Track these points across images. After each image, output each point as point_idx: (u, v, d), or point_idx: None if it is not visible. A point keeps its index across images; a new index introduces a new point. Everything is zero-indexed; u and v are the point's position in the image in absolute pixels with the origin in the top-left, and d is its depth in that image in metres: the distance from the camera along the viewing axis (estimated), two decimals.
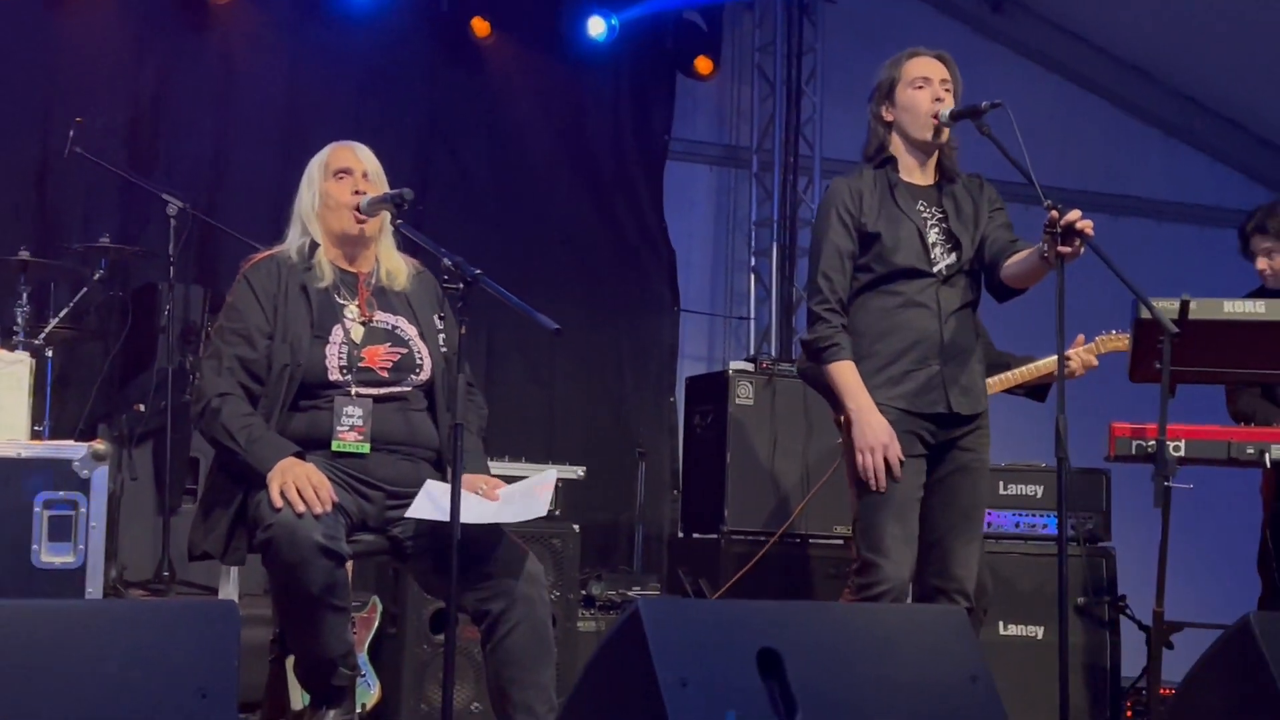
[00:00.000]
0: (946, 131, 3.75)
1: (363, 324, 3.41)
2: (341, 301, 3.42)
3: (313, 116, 6.94)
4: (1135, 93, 8.80)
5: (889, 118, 3.80)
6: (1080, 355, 4.75)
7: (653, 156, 7.88)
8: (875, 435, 3.59)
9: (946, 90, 3.75)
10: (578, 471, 5.33)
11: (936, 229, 3.76)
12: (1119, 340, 4.78)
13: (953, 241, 3.76)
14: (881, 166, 3.81)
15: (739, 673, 2.32)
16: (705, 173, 8.28)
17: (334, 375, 3.32)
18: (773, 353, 7.74)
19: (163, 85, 6.73)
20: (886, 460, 3.59)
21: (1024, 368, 4.79)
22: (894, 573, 3.61)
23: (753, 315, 8.11)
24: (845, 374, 3.69)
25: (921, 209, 3.77)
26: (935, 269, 3.73)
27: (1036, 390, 4.84)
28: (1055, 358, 4.67)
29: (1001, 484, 5.29)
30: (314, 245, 3.45)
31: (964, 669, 2.52)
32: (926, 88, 3.74)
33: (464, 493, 3.11)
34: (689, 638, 2.32)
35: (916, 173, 3.81)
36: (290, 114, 6.95)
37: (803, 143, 8.15)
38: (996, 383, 4.79)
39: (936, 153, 3.82)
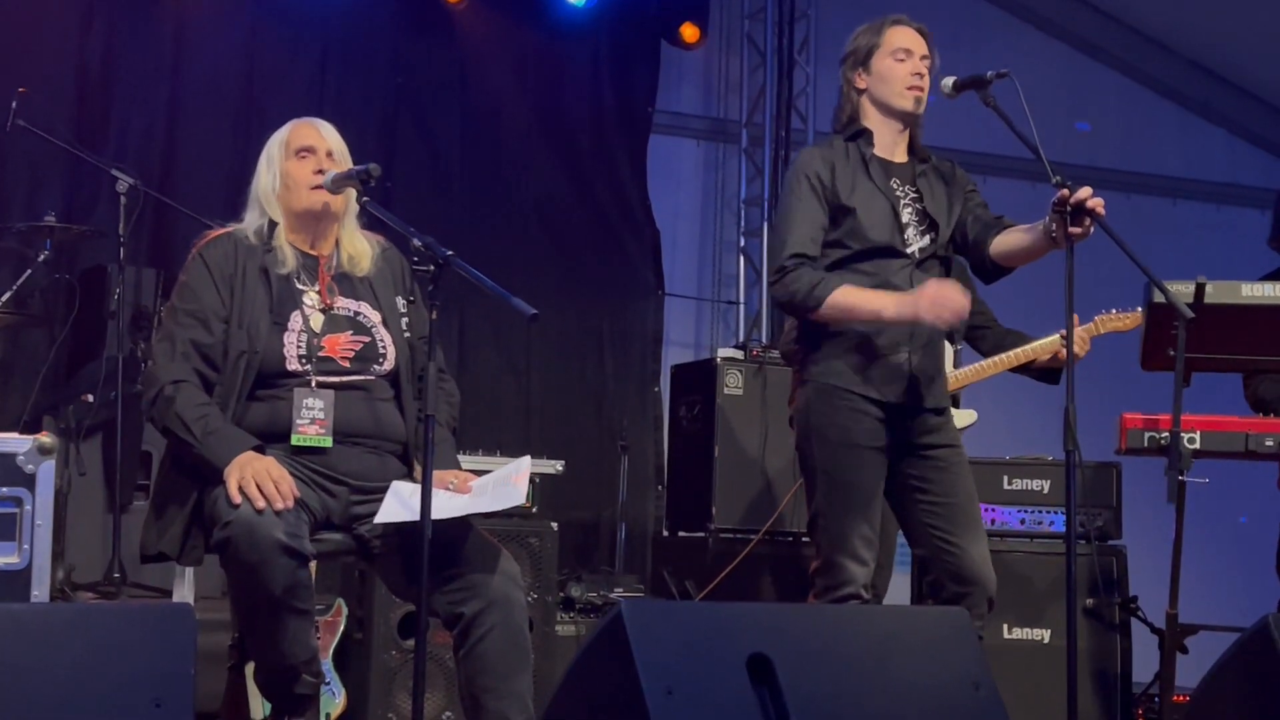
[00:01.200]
0: (924, 104, 3.76)
1: (323, 311, 3.41)
2: (301, 287, 3.42)
3: (272, 88, 6.92)
4: (1149, 64, 8.83)
5: (862, 85, 3.81)
6: (1079, 334, 4.74)
7: (636, 130, 7.88)
8: (916, 298, 3.53)
9: (925, 66, 3.76)
10: (556, 465, 5.33)
11: (910, 209, 3.78)
12: (1119, 320, 4.79)
13: (927, 223, 3.78)
14: (854, 140, 3.81)
15: (728, 680, 2.33)
16: (691, 147, 8.28)
17: (292, 365, 3.32)
18: (763, 340, 7.73)
19: (112, 54, 6.69)
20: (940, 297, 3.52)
21: (1020, 349, 4.79)
22: (860, 573, 3.62)
23: (742, 300, 8.12)
24: (850, 295, 3.62)
25: (895, 186, 3.78)
26: (909, 250, 3.74)
27: (1048, 373, 4.84)
28: (1048, 340, 4.73)
29: (1006, 478, 5.31)
30: (273, 225, 3.44)
31: (966, 674, 2.53)
32: (908, 60, 3.76)
33: (434, 490, 3.10)
34: (674, 642, 2.33)
35: (890, 147, 3.82)
36: (248, 85, 6.93)
37: (795, 116, 8.15)
38: (993, 364, 4.80)
39: (908, 130, 3.82)
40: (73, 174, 6.38)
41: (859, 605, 3.54)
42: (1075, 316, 4.55)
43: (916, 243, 3.75)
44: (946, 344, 4.55)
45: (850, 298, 3.63)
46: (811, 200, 3.72)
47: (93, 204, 6.38)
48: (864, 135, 3.80)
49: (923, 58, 3.77)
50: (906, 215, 3.76)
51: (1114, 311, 4.79)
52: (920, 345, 3.71)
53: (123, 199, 5.54)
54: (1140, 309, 4.63)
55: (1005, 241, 3.70)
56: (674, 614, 2.41)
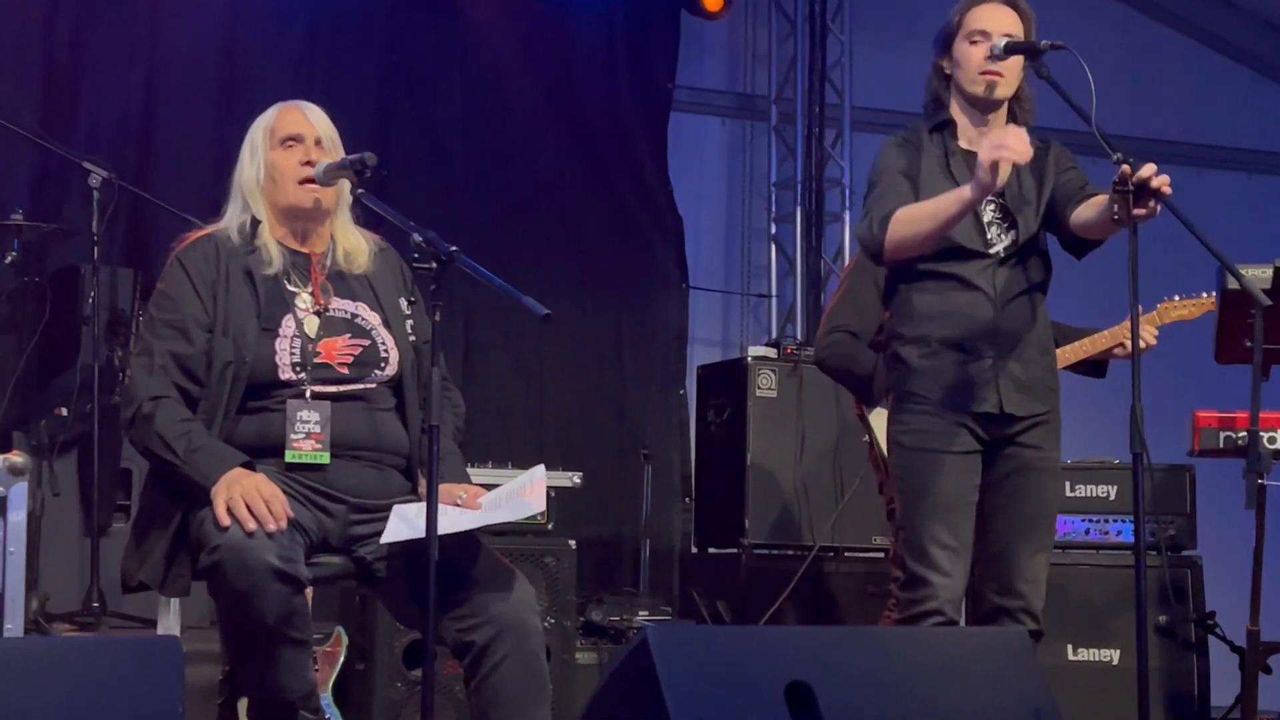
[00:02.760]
0: (1007, 88, 3.76)
1: (317, 313, 3.42)
2: (292, 288, 3.43)
3: (255, 69, 6.94)
4: (1218, 24, 8.80)
5: (947, 70, 3.86)
6: (1144, 324, 4.72)
7: (654, 109, 7.88)
8: (992, 142, 3.52)
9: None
10: (573, 478, 5.35)
11: (992, 205, 3.80)
12: (1184, 307, 4.75)
13: (1009, 220, 3.79)
14: (939, 130, 3.85)
15: (765, 710, 2.34)
16: (716, 126, 8.28)
17: (285, 374, 3.33)
18: (798, 336, 7.74)
19: (80, 35, 6.72)
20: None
21: (1077, 343, 4.79)
22: (945, 588, 3.64)
23: (774, 292, 8.12)
24: (914, 209, 3.68)
25: None
26: (992, 250, 3.77)
27: (1094, 365, 4.83)
28: (1107, 332, 4.72)
29: (1069, 484, 5.32)
30: (256, 223, 3.46)
31: (1026, 701, 2.54)
32: (983, 43, 3.77)
33: (441, 506, 3.11)
34: (705, 671, 2.35)
35: (976, 139, 3.83)
36: (229, 66, 6.95)
37: (829, 89, 8.14)
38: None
39: (1006, 114, 3.83)
40: (40, 167, 6.41)
41: (904, 629, 3.54)
42: (1133, 301, 4.57)
43: (1000, 242, 3.79)
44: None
45: (918, 211, 3.68)
46: (899, 177, 3.78)
47: (63, 199, 6.41)
48: (949, 127, 3.85)
49: (1006, 35, 3.76)
50: (989, 214, 3.80)
51: (1178, 298, 4.77)
52: (1007, 349, 3.74)
53: (95, 193, 5.57)
54: (1210, 294, 4.63)
55: (1081, 215, 3.74)
56: (704, 639, 2.42)
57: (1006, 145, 3.50)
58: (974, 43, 3.77)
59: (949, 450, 3.69)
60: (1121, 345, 4.69)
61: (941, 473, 3.69)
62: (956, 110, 3.86)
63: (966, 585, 3.73)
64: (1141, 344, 4.57)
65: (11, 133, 5.77)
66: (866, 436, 4.84)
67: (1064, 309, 5.01)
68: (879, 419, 4.51)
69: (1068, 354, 4.81)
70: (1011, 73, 3.78)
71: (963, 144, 3.84)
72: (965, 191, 3.58)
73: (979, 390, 3.70)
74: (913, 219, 3.68)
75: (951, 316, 3.75)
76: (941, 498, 3.68)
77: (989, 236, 3.78)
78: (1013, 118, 3.86)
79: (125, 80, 6.78)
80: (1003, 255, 3.78)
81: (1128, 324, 4.62)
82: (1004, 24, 3.78)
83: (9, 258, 5.64)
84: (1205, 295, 4.68)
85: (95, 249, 5.58)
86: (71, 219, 6.08)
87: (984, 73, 3.76)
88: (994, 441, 3.74)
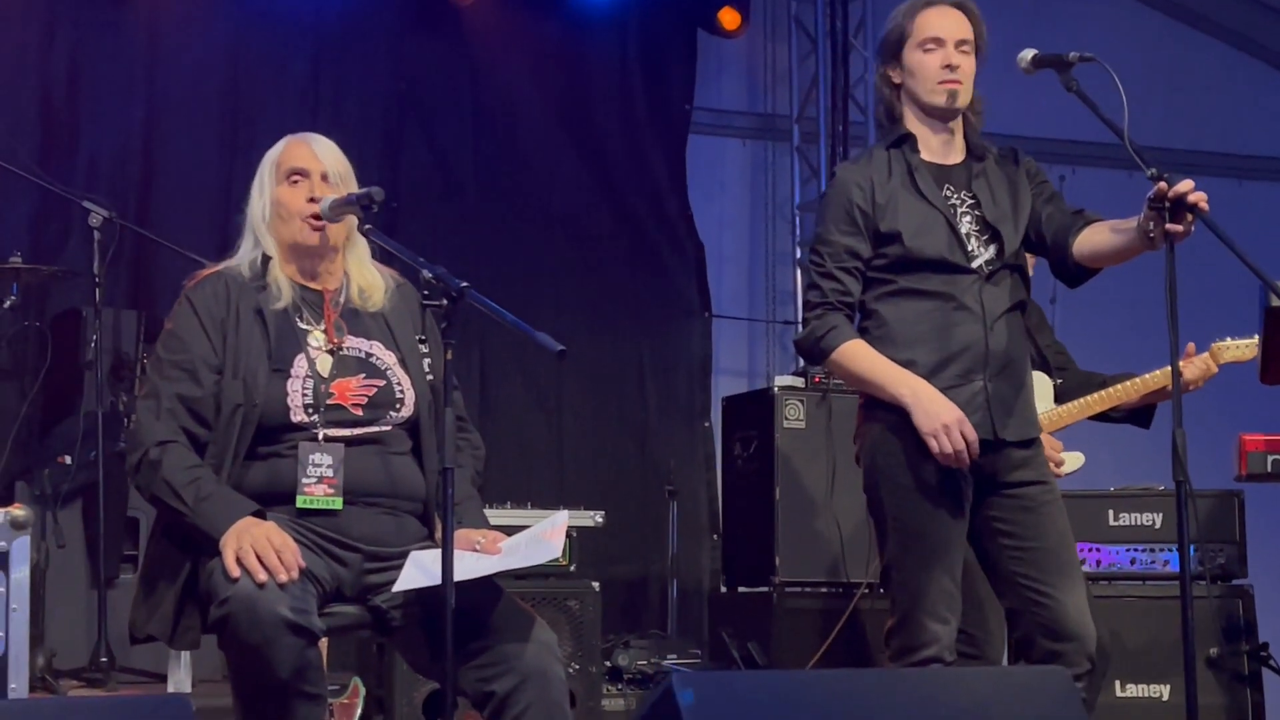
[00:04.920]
0: (965, 96, 3.76)
1: (330, 352, 3.42)
2: (304, 326, 3.44)
3: (260, 101, 7.01)
4: (1259, 30, 8.80)
5: (896, 79, 3.82)
6: (1197, 364, 4.68)
7: (672, 131, 7.92)
8: (939, 411, 3.59)
9: (964, 53, 3.76)
10: (595, 517, 5.36)
11: (969, 218, 3.78)
12: (1239, 348, 4.69)
13: (989, 232, 3.77)
14: (898, 145, 3.82)
15: None
16: (737, 148, 8.32)
17: (297, 416, 3.34)
18: None
19: (78, 71, 6.79)
20: (965, 438, 3.58)
21: (1122, 384, 4.73)
22: (942, 632, 3.62)
23: (800, 318, 8.11)
24: (860, 355, 3.70)
25: (949, 194, 3.78)
26: (974, 264, 3.74)
27: (1139, 414, 4.78)
28: (1162, 371, 4.67)
29: (1112, 513, 5.31)
30: (266, 259, 3.48)
31: None
32: (937, 50, 3.75)
33: (458, 553, 3.12)
34: (734, 718, 2.34)
35: (939, 149, 3.82)
36: (233, 99, 7.02)
37: (853, 107, 8.17)
38: (1082, 406, 4.74)
39: (961, 122, 3.82)
40: (39, 207, 6.47)
41: (943, 669, 3.53)
42: (1191, 345, 4.55)
43: (982, 255, 3.76)
44: (1042, 375, 4.53)
45: (861, 361, 3.70)
46: (847, 229, 3.75)
47: (63, 241, 6.47)
48: (908, 141, 3.82)
49: (960, 43, 3.75)
50: (965, 226, 3.76)
51: (1230, 340, 4.72)
52: (996, 371, 3.71)
53: (96, 234, 5.60)
54: (1258, 335, 4.60)
55: (1091, 240, 3.69)
56: (732, 685, 2.42)
57: (951, 444, 3.57)
58: (927, 51, 3.75)
59: (944, 488, 3.66)
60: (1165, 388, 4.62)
61: (937, 512, 3.65)
62: (913, 121, 3.82)
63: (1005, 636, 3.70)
64: (1203, 377, 4.59)
65: (9, 173, 5.79)
66: None
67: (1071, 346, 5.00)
68: None
69: (1105, 398, 4.74)
70: (969, 78, 3.77)
71: (925, 156, 3.81)
72: (905, 397, 3.61)
73: (973, 418, 3.65)
74: (853, 365, 3.70)
75: (940, 338, 3.70)
76: (938, 540, 3.65)
77: (970, 249, 3.74)
78: (966, 123, 3.83)
79: (125, 115, 6.84)
80: (987, 271, 3.75)
81: (1181, 364, 4.62)
82: (957, 29, 3.76)
83: (8, 302, 5.68)
84: (1258, 336, 4.65)
85: (97, 291, 5.60)
86: (72, 260, 6.13)
87: (943, 82, 3.74)
88: (987, 476, 3.70)
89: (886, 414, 3.70)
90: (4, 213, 6.49)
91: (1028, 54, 3.72)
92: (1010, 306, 3.77)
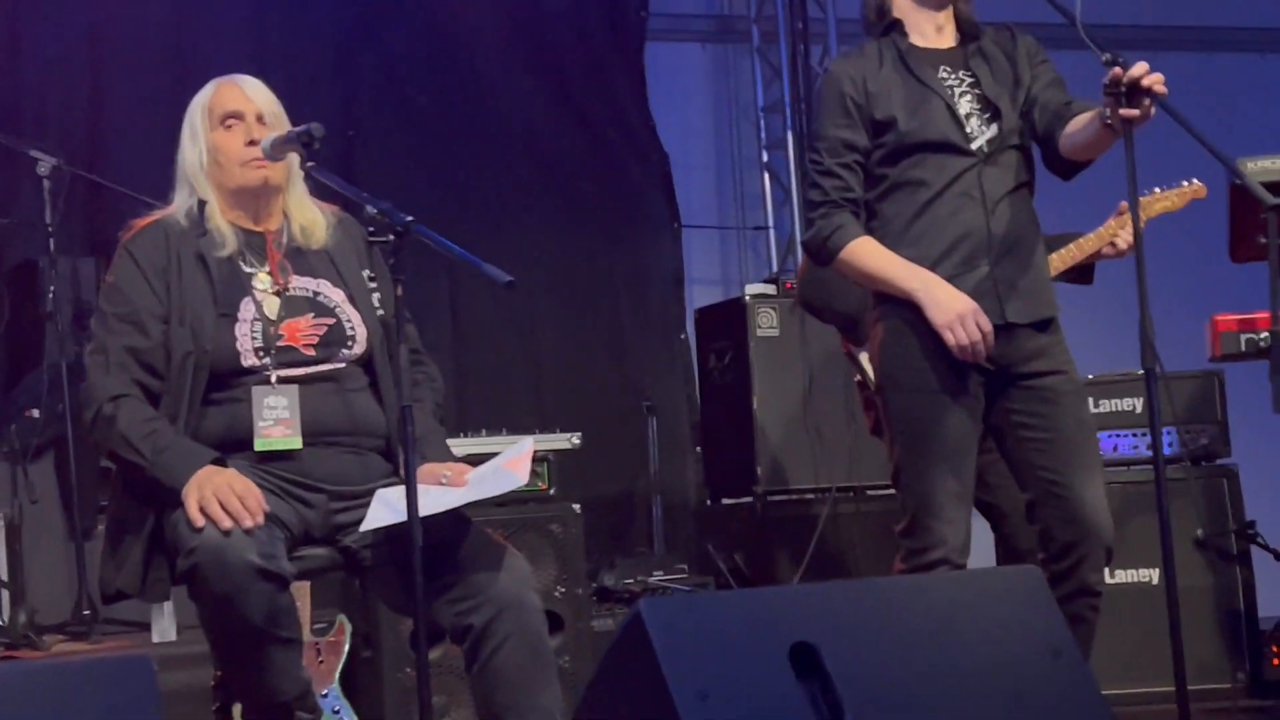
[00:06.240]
0: None
1: (277, 294, 3.42)
2: (249, 269, 3.43)
3: (207, 36, 6.92)
4: None
5: None
6: (1117, 229, 4.64)
7: (628, 39, 7.85)
8: (952, 303, 3.59)
9: None
10: (572, 439, 5.36)
11: (968, 97, 3.74)
12: (1165, 199, 4.66)
13: (990, 110, 3.74)
14: (887, 34, 3.80)
15: (769, 675, 2.36)
16: (696, 52, 8.26)
17: (248, 360, 3.34)
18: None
19: (15, 16, 6.70)
20: (980, 328, 3.58)
21: (1064, 250, 4.73)
22: (950, 534, 3.63)
23: (771, 224, 8.11)
24: (869, 252, 3.69)
25: (945, 76, 3.75)
26: (974, 146, 3.71)
27: (1082, 272, 4.78)
28: (1095, 234, 4.66)
29: (1090, 401, 5.31)
30: (203, 204, 3.45)
31: (1043, 640, 2.55)
32: None
33: (423, 488, 3.13)
34: (705, 639, 2.36)
35: (932, 34, 3.80)
36: (177, 34, 6.93)
37: (811, 4, 8.11)
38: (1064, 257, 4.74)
39: (952, 7, 3.80)
40: None
41: (911, 576, 3.54)
42: (1122, 204, 4.51)
43: (981, 135, 3.72)
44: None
45: (870, 258, 3.69)
46: (843, 122, 3.74)
47: (13, 192, 6.40)
48: (896, 27, 3.79)
49: None
50: (965, 105, 3.73)
51: (1158, 190, 4.69)
52: (1001, 254, 3.69)
53: (46, 183, 5.57)
54: (1190, 182, 4.59)
55: (1071, 135, 3.66)
56: (701, 608, 2.44)
57: (970, 337, 3.57)
58: None
59: (951, 387, 3.65)
60: (1111, 245, 4.62)
61: (946, 413, 3.65)
62: (904, 8, 3.80)
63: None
64: (1122, 243, 4.57)
65: None
66: (857, 376, 4.82)
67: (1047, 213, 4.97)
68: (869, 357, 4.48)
69: (1055, 262, 4.75)
70: None
71: (916, 41, 3.79)
72: (916, 291, 3.62)
73: (980, 304, 3.63)
74: (862, 263, 3.70)
75: (938, 228, 3.68)
76: (947, 440, 3.65)
77: (969, 129, 3.71)
78: (956, 5, 3.80)
79: (69, 59, 6.76)
80: (987, 151, 3.72)
81: (1112, 223, 4.61)
82: None
83: None
84: (1187, 184, 4.64)
85: (51, 241, 5.58)
86: (23, 212, 6.08)
87: None
88: (1002, 368, 3.70)
89: (898, 310, 3.70)
90: None
91: None
92: (1014, 187, 3.74)
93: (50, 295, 5.64)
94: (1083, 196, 4.28)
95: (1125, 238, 4.57)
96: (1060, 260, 4.68)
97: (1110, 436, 5.36)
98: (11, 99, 6.64)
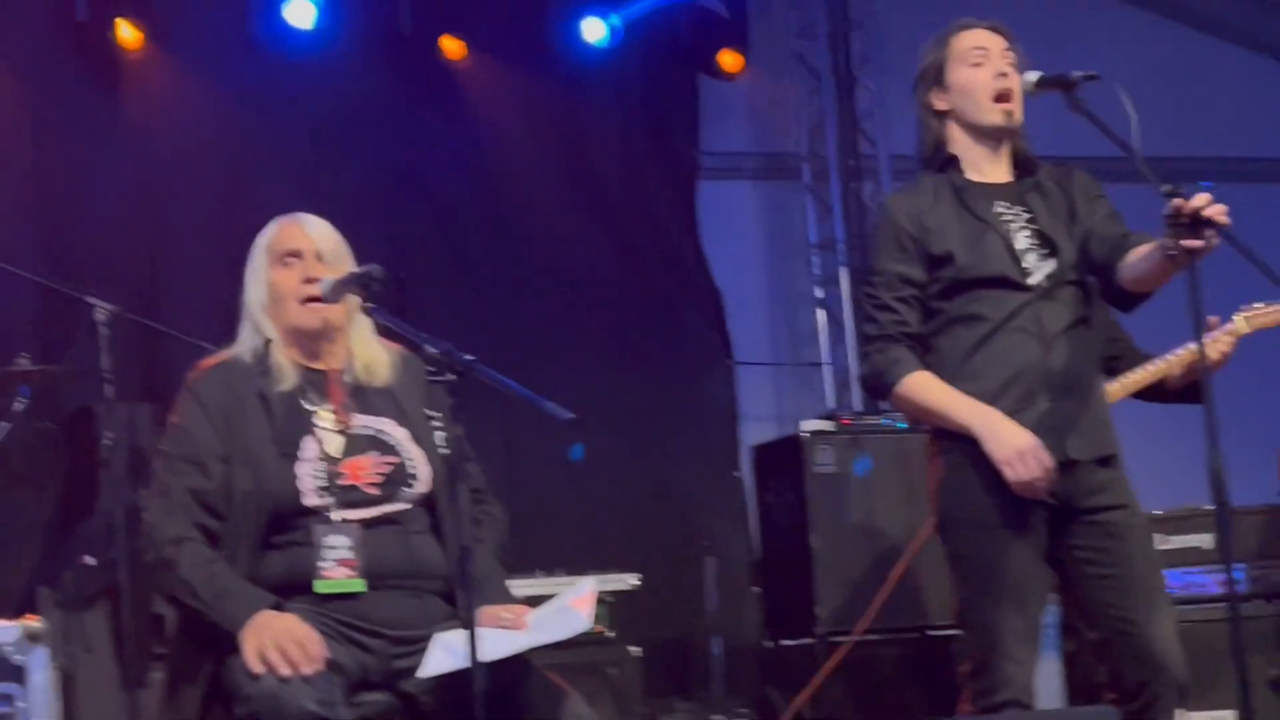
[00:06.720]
0: (1019, 111, 3.75)
1: (340, 432, 3.42)
2: (310, 407, 3.44)
3: (260, 177, 7.02)
4: (1271, 31, 8.78)
5: (942, 106, 3.80)
6: (1223, 339, 4.55)
7: (680, 178, 7.93)
8: (1013, 438, 3.55)
9: (1010, 64, 3.75)
10: (630, 580, 5.32)
11: (1025, 232, 3.74)
12: (1269, 313, 4.58)
13: (1048, 245, 3.74)
14: (943, 170, 3.81)
15: None
16: (747, 190, 8.33)
17: (310, 499, 3.33)
18: (855, 404, 7.71)
19: (73, 164, 6.82)
20: (1042, 463, 3.53)
21: (1149, 366, 4.65)
22: (1018, 674, 3.58)
23: (826, 359, 8.10)
24: (927, 386, 3.67)
25: (1002, 211, 3.75)
26: (1031, 281, 3.70)
27: (1189, 392, 4.68)
28: (1181, 353, 4.59)
29: (1159, 536, 5.25)
30: (268, 342, 3.47)
31: None
32: (985, 63, 3.74)
33: (484, 631, 3.10)
34: None
35: (988, 169, 3.80)
36: (232, 177, 7.04)
37: (863, 140, 8.18)
38: (1119, 388, 4.68)
39: (1009, 142, 3.81)
40: (43, 307, 6.48)
41: (997, 716, 3.48)
42: (1213, 319, 4.46)
43: (1040, 270, 3.71)
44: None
45: (929, 393, 3.67)
46: (899, 256, 3.74)
47: (70, 338, 6.45)
48: (953, 163, 3.80)
49: (1004, 51, 3.75)
50: (1022, 241, 3.72)
51: (1260, 305, 4.61)
52: (1060, 391, 3.66)
53: (103, 329, 5.60)
54: None
55: (1131, 266, 3.64)
56: None
57: (1029, 473, 3.53)
58: (975, 64, 3.75)
59: (1014, 522, 3.60)
60: (1185, 368, 4.54)
61: (1009, 549, 3.60)
62: (961, 144, 3.80)
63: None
64: (1218, 354, 4.50)
65: (9, 273, 5.80)
66: None
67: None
68: None
69: (1136, 380, 4.68)
70: (1019, 94, 3.74)
71: (973, 176, 3.78)
72: (976, 426, 3.59)
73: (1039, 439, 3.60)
74: (920, 397, 3.68)
75: (995, 364, 3.66)
76: (1011, 577, 3.60)
77: (1025, 265, 3.70)
78: (1013, 140, 3.81)
79: (125, 206, 6.86)
80: (1045, 286, 3.71)
81: (1183, 352, 4.56)
82: (999, 42, 3.77)
83: (18, 405, 5.67)
84: None
85: (107, 387, 5.61)
86: (80, 358, 6.11)
87: (999, 97, 3.71)
88: (1064, 502, 3.66)
89: (957, 445, 3.66)
90: (8, 314, 6.50)
91: (1031, 77, 3.71)
92: (1072, 322, 3.72)
93: (106, 442, 5.66)
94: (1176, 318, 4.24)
95: (1219, 347, 4.49)
96: (1122, 388, 4.64)
97: (1180, 574, 5.29)
98: (70, 246, 6.73)
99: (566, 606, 3.36)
